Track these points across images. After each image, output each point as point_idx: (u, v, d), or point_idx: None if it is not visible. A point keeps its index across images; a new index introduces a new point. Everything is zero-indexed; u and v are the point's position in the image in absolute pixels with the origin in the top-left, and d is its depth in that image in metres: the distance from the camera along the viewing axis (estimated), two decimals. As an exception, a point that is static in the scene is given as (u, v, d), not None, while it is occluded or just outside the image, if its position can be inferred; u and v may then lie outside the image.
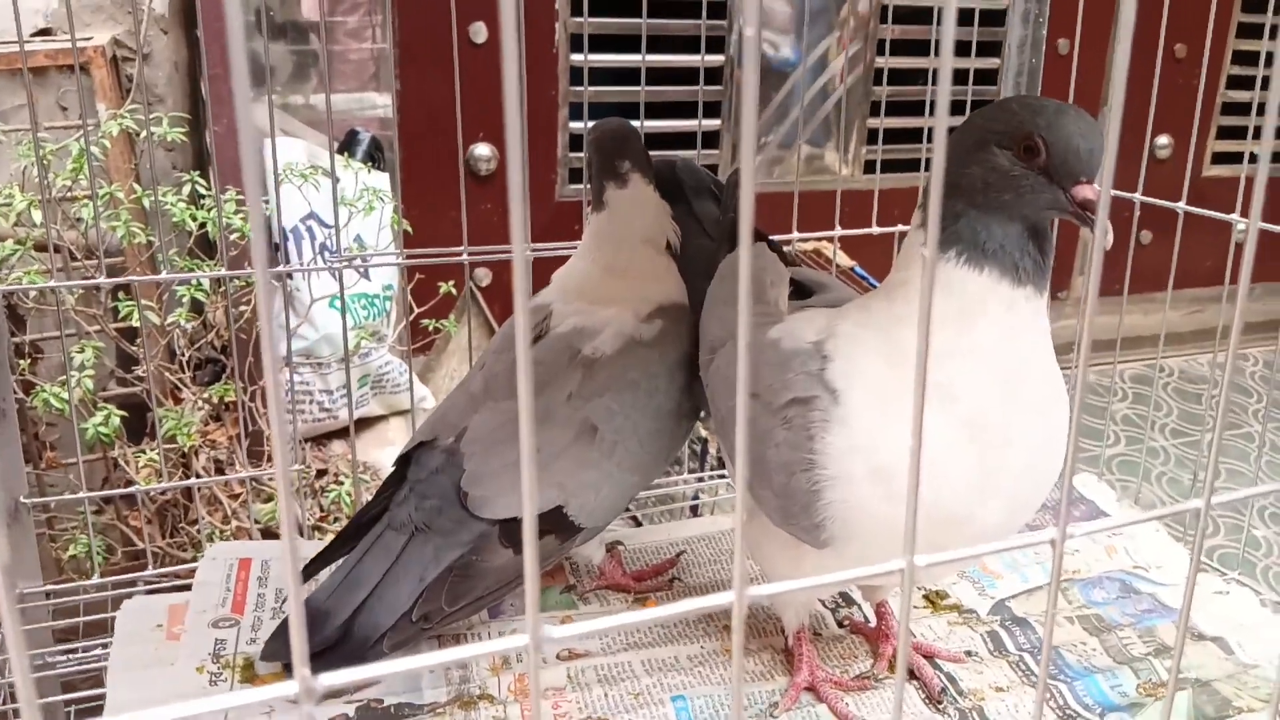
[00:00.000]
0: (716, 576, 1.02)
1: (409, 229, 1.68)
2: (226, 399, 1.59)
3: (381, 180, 1.81)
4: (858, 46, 2.35)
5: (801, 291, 0.92)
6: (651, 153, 0.96)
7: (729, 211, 0.96)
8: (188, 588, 0.98)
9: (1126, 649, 0.91)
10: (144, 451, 1.58)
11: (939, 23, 1.52)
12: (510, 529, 0.84)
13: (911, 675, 0.87)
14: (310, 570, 0.88)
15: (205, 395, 1.63)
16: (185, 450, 1.57)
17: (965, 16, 2.20)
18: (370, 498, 1.64)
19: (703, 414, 0.94)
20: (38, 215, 1.36)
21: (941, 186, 0.36)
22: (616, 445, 0.87)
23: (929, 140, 1.39)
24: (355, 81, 2.08)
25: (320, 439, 1.88)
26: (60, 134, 1.58)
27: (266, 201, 1.59)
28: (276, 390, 0.31)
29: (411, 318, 1.75)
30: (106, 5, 1.66)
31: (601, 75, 2.18)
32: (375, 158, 1.95)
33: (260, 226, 0.31)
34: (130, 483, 1.58)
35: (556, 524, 0.86)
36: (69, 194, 1.49)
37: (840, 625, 0.95)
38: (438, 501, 0.85)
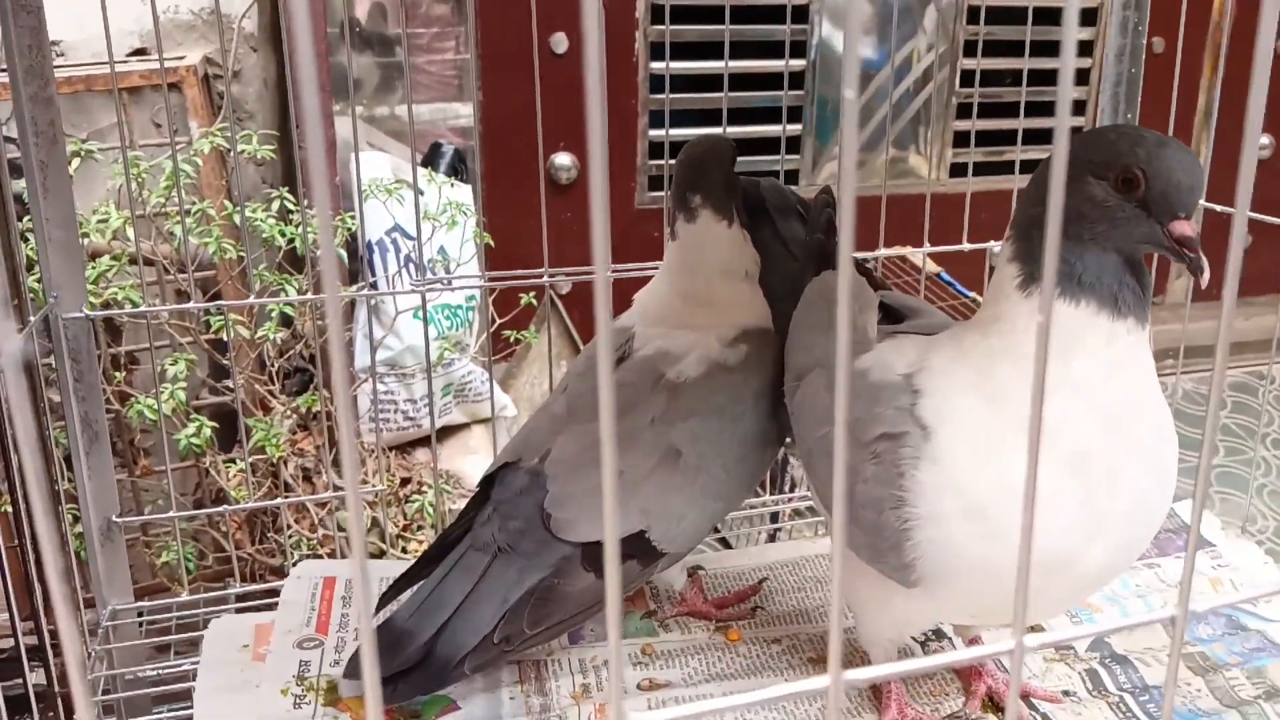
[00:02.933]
0: (800, 605, 1.00)
1: (490, 243, 1.69)
2: (314, 408, 1.62)
3: (465, 193, 1.82)
4: (944, 47, 2.30)
5: (890, 315, 0.89)
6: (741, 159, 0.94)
7: (814, 232, 0.94)
8: (275, 605, 0.99)
9: (1234, 691, 0.87)
10: (234, 461, 1.61)
11: (1031, 22, 1.48)
12: (593, 552, 0.83)
13: (1004, 714, 0.84)
14: (395, 590, 0.88)
15: (294, 405, 1.66)
16: (274, 460, 1.60)
17: (1053, 15, 2.14)
18: (452, 506, 1.66)
19: (788, 440, 0.92)
20: (132, 232, 1.40)
21: (1059, 233, 0.33)
22: (700, 471, 0.86)
23: (1022, 143, 1.35)
24: (439, 92, 2.10)
25: (404, 447, 1.90)
26: (155, 151, 1.62)
27: (352, 216, 1.61)
28: (349, 417, 0.31)
29: (493, 328, 1.76)
30: (199, 25, 1.70)
31: (680, 83, 2.17)
32: (459, 170, 1.96)
33: (331, 253, 0.30)
34: (220, 491, 1.62)
35: (639, 549, 0.85)
36: (163, 210, 1.52)
37: (929, 659, 0.92)
38: (521, 523, 0.84)
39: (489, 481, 0.90)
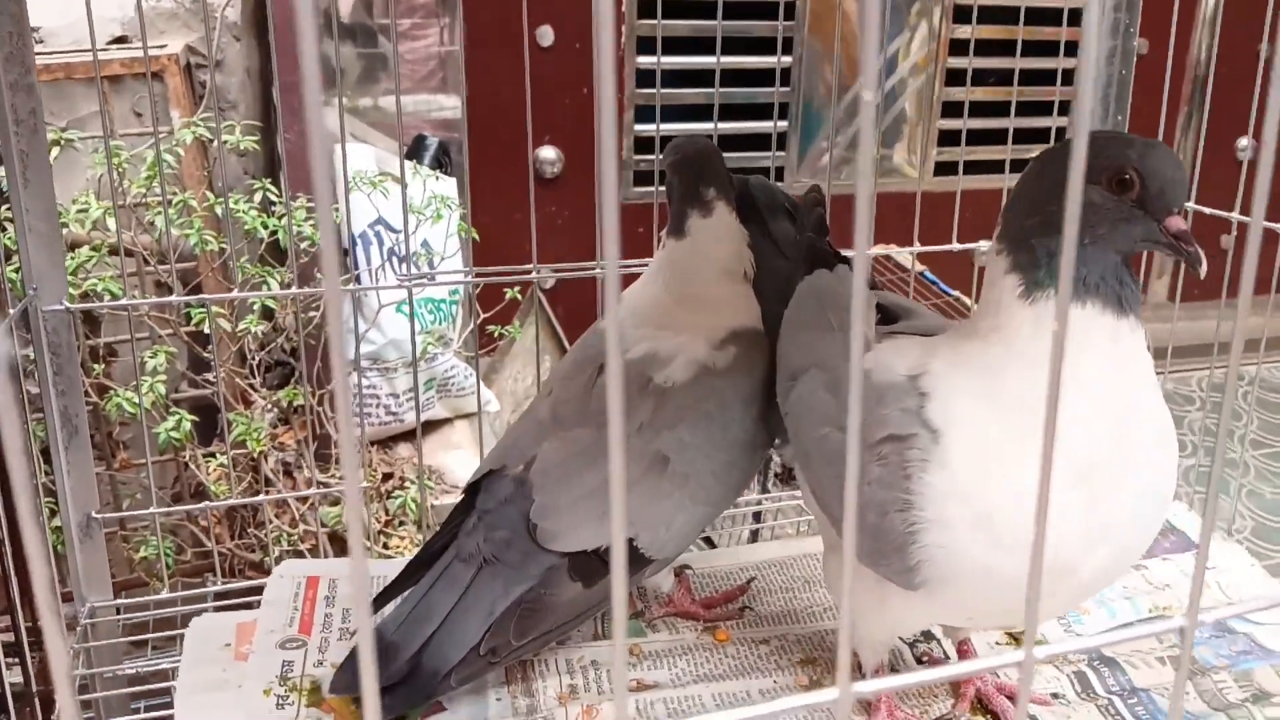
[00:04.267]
0: (789, 605, 0.99)
1: (476, 236, 1.68)
2: (295, 402, 1.60)
3: (449, 186, 1.81)
4: (929, 46, 2.30)
5: (885, 316, 0.88)
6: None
7: (805, 231, 0.93)
8: (255, 603, 0.98)
9: (1222, 694, 0.87)
10: (214, 455, 1.59)
11: (1022, 22, 1.48)
12: (579, 562, 0.82)
13: (994, 717, 0.84)
14: (382, 599, 0.87)
15: (275, 399, 1.64)
16: (254, 454, 1.58)
17: (1054, 16, 2.14)
18: (435, 502, 1.64)
19: (777, 441, 0.92)
20: (112, 222, 1.38)
21: (1074, 244, 0.33)
22: (689, 478, 0.85)
23: (1012, 142, 1.34)
24: (419, 83, 2.08)
25: (386, 442, 1.89)
26: (135, 140, 1.59)
27: (337, 209, 1.59)
28: (347, 406, 0.30)
29: (478, 323, 1.74)
30: (181, 13, 1.67)
31: (668, 78, 2.16)
32: (443, 163, 1.94)
33: (331, 241, 0.29)
34: (200, 485, 1.60)
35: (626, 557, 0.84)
36: (143, 200, 1.50)
37: (919, 661, 0.92)
38: (506, 533, 0.83)
39: (473, 488, 0.89)
